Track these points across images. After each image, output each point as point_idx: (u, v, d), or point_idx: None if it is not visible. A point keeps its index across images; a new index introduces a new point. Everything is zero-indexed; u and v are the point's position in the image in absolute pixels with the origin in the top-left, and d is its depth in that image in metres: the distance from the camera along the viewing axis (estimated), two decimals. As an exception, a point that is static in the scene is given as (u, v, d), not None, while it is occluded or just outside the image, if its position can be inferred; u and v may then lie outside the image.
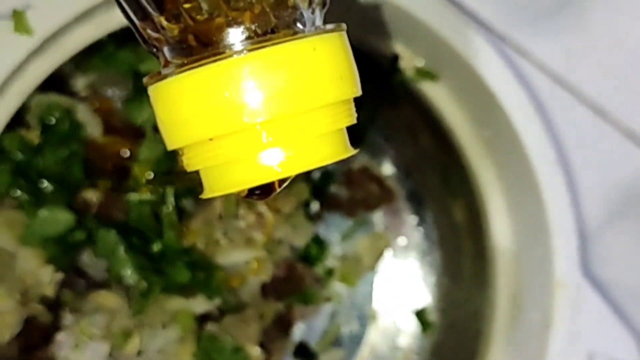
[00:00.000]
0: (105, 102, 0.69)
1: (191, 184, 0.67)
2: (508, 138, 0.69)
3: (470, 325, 0.75)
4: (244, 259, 0.67)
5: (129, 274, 0.63)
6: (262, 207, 0.67)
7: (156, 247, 0.64)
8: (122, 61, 0.68)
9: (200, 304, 0.67)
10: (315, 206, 0.79)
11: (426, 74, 0.72)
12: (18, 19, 0.58)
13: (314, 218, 0.79)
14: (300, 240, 0.71)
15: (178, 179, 0.67)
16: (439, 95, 0.73)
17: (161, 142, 0.66)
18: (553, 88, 0.88)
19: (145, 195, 0.65)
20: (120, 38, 0.67)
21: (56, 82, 0.68)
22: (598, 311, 0.70)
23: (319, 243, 0.77)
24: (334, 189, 0.79)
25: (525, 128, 0.69)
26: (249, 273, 0.68)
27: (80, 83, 0.70)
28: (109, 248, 0.64)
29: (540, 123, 0.69)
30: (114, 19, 0.63)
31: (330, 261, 0.79)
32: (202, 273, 0.65)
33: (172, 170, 0.66)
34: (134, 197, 0.65)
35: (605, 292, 0.74)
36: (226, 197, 0.66)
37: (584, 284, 0.70)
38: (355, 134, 0.75)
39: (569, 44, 0.87)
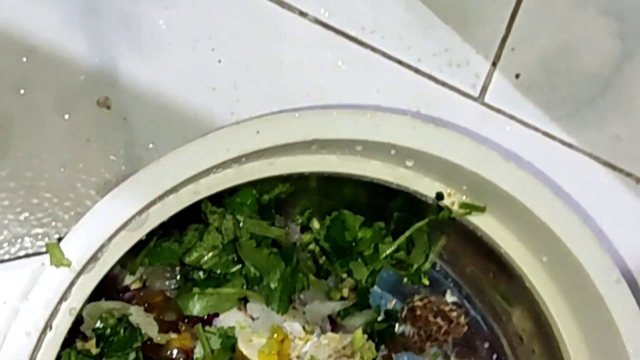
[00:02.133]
0: (156, 295, 0.69)
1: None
2: (567, 263, 0.67)
3: None
4: None
5: None
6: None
7: None
8: (167, 254, 0.67)
9: None
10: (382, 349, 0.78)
11: (472, 206, 0.70)
12: (53, 253, 0.58)
13: (384, 360, 0.78)
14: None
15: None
16: (488, 225, 0.71)
17: (216, 334, 0.66)
18: (606, 173, 0.86)
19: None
20: (161, 233, 0.67)
21: (105, 283, 0.68)
22: None
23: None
24: (399, 328, 0.78)
25: (583, 252, 0.66)
26: None
27: (128, 280, 0.70)
28: None
29: (597, 245, 0.67)
30: (148, 224, 0.63)
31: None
32: None
33: (231, 360, 0.66)
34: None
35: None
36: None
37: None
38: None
39: (615, 129, 0.85)
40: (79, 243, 0.59)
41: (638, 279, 0.82)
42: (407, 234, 0.72)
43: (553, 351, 0.72)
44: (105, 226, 0.59)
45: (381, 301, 0.78)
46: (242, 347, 0.66)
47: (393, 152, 0.66)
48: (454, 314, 0.77)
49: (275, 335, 0.66)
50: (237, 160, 0.64)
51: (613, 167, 0.86)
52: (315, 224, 0.74)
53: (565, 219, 0.67)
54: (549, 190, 0.68)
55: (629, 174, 0.86)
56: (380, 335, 0.76)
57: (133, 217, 0.61)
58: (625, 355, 0.66)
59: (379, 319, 0.77)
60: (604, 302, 0.66)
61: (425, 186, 0.70)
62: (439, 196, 0.70)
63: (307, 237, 0.73)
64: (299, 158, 0.67)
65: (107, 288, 0.67)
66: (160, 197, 0.62)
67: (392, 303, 0.79)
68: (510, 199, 0.67)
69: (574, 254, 0.67)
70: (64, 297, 0.60)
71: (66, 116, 0.77)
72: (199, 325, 0.66)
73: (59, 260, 0.58)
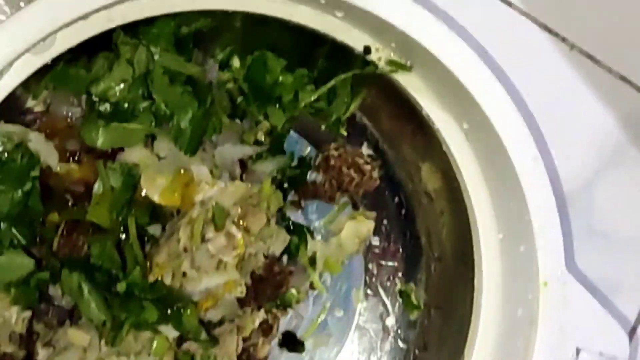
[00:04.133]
0: (59, 122, 0.65)
1: (155, 209, 0.64)
2: (487, 134, 0.66)
3: (457, 309, 0.74)
4: (214, 284, 0.65)
5: (96, 314, 0.62)
6: (230, 226, 0.64)
7: (121, 287, 0.62)
8: (73, 81, 0.63)
9: (173, 330, 0.65)
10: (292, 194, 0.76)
11: (398, 64, 0.67)
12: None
13: (293, 205, 0.76)
14: (276, 248, 0.69)
15: (139, 207, 0.64)
16: (413, 85, 0.69)
17: (118, 171, 0.64)
18: (541, 35, 0.83)
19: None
20: (69, 58, 0.63)
21: (4, 104, 0.64)
22: (585, 307, 0.68)
23: (299, 234, 0.75)
24: (311, 175, 0.76)
25: (504, 126, 0.65)
26: (222, 293, 0.66)
27: (31, 102, 0.66)
28: (73, 289, 0.62)
29: (519, 120, 0.65)
30: (54, 49, 0.59)
31: (313, 246, 0.76)
32: (171, 309, 0.63)
33: (131, 199, 0.63)
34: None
35: (591, 284, 0.72)
36: (191, 225, 0.63)
37: (570, 280, 0.67)
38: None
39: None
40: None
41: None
42: (330, 84, 0.69)
43: (461, 216, 0.71)
44: (3, 52, 0.55)
45: (296, 146, 0.76)
46: (144, 186, 0.63)
47: (322, 1, 0.62)
48: (368, 167, 0.75)
49: (180, 176, 0.64)
50: (156, -11, 0.59)
51: (549, 30, 0.84)
52: (236, 62, 0.70)
53: (491, 90, 0.65)
54: (478, 58, 0.65)
55: (564, 39, 0.83)
56: (292, 181, 0.75)
57: (37, 43, 0.56)
58: (531, 229, 0.65)
59: (292, 164, 0.75)
60: (518, 177, 0.65)
61: (353, 38, 0.67)
62: (367, 50, 0.67)
63: (225, 75, 0.70)
64: (224, -7, 0.63)
65: (7, 109, 0.63)
66: (69, 23, 0.58)
67: (306, 149, 0.77)
68: (436, 62, 0.64)
69: (494, 126, 0.65)
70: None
71: None
72: (100, 162, 0.63)
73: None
